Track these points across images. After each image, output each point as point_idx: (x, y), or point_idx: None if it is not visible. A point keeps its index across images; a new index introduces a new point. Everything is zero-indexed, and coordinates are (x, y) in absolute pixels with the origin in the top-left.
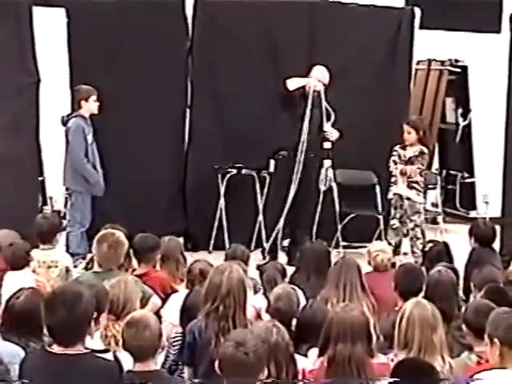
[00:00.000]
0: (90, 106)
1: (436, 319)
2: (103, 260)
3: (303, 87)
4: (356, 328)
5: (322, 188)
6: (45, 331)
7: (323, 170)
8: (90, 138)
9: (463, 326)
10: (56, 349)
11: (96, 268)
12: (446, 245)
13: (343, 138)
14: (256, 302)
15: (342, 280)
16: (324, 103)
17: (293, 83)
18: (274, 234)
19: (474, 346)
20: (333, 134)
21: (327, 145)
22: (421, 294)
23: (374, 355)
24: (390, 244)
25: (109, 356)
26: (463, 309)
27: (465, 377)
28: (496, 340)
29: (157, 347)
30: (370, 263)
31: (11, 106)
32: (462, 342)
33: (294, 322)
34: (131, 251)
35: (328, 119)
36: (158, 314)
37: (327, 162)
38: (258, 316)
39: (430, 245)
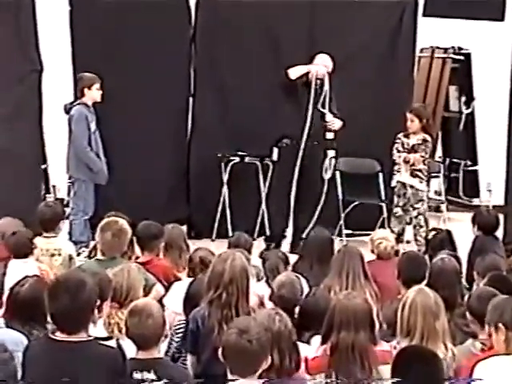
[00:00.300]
0: (93, 94)
1: (439, 307)
2: (107, 248)
3: (306, 75)
4: (359, 316)
5: (326, 177)
6: (48, 319)
7: (327, 160)
8: (93, 126)
9: (467, 314)
10: (59, 336)
11: (99, 256)
12: (449, 233)
13: (346, 127)
14: (259, 289)
15: (344, 268)
16: (326, 88)
17: (295, 71)
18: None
19: (479, 334)
20: (335, 123)
21: (330, 135)
22: (424, 281)
23: (377, 343)
24: (392, 232)
25: (112, 343)
26: (466, 297)
27: (468, 366)
28: (501, 325)
29: (160, 335)
30: (373, 251)
31: (14, 95)
32: (465, 329)
33: (297, 309)
34: (134, 239)
35: (331, 107)
36: (161, 302)
37: (331, 152)
38: (261, 304)
39: (433, 233)
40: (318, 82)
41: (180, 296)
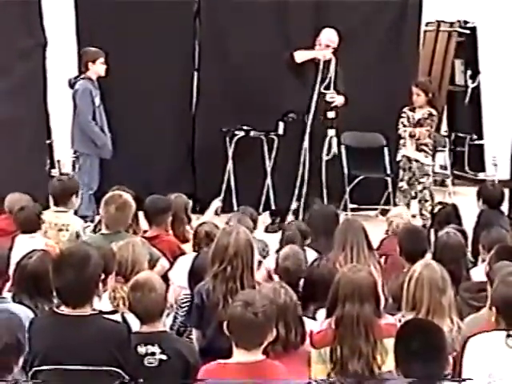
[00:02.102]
0: (97, 68)
1: (445, 281)
2: (111, 222)
3: (312, 60)
4: (363, 288)
5: (325, 158)
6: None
7: (327, 139)
8: (97, 100)
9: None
10: (64, 310)
11: (104, 230)
12: (454, 207)
13: (352, 101)
14: (268, 263)
15: (348, 241)
16: (332, 71)
17: (301, 56)
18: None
19: None
20: (335, 98)
21: (331, 114)
22: (426, 255)
23: (382, 316)
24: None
25: (117, 317)
26: (486, 266)
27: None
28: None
29: (162, 309)
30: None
31: (18, 69)
32: (472, 303)
33: (302, 282)
34: (139, 213)
35: (336, 85)
36: (165, 276)
37: (331, 132)
38: (270, 277)
39: (439, 207)
40: (326, 63)
41: (185, 270)
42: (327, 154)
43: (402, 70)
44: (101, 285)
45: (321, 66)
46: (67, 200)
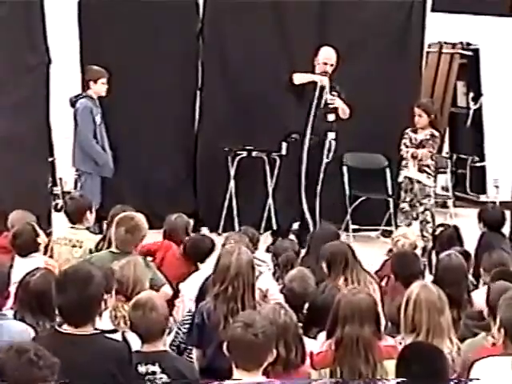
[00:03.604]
0: (98, 88)
1: (443, 302)
2: (119, 243)
3: (310, 83)
4: (363, 310)
5: (325, 160)
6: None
7: (327, 142)
8: (98, 118)
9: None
10: (66, 329)
11: (113, 248)
12: (456, 228)
13: (354, 121)
14: (262, 283)
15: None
16: (327, 94)
17: (299, 78)
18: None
19: (492, 327)
20: (335, 100)
21: (331, 117)
22: (421, 277)
23: (382, 337)
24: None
25: (117, 336)
26: (485, 290)
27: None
28: (502, 329)
29: (164, 328)
30: (391, 249)
31: (21, 86)
32: (475, 331)
33: (306, 305)
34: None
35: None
36: (167, 303)
37: (331, 134)
38: (265, 297)
39: (441, 229)
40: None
41: (197, 284)
42: (327, 157)
43: (404, 91)
44: (103, 304)
45: (317, 92)
46: (82, 217)
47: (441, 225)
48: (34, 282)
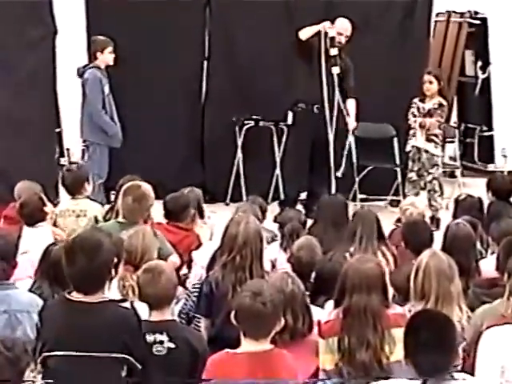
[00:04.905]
0: (106, 58)
1: (452, 270)
2: (127, 212)
3: (316, 34)
4: (371, 279)
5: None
6: None
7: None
8: (106, 89)
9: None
10: (76, 296)
11: (120, 219)
12: (480, 200)
13: (362, 91)
14: (271, 253)
15: (358, 232)
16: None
17: (305, 32)
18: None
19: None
20: (349, 121)
21: (336, 70)
22: (432, 245)
23: (390, 306)
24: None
25: (126, 305)
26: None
27: None
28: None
29: (172, 295)
30: (400, 219)
31: (28, 58)
32: (484, 299)
33: (314, 274)
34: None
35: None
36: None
37: (350, 138)
38: (273, 267)
39: (464, 196)
40: (328, 41)
41: (209, 253)
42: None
43: (413, 60)
44: (113, 271)
45: (322, 42)
46: (81, 188)
47: (468, 195)
48: (53, 252)
